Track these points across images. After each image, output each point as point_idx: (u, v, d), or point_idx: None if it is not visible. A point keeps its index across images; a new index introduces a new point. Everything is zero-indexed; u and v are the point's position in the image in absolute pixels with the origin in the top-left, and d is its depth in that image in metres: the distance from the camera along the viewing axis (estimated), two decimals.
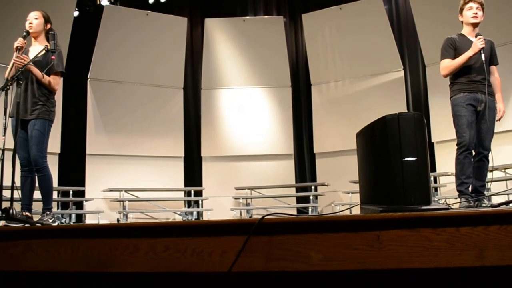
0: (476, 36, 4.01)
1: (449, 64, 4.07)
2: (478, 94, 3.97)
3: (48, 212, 3.92)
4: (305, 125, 10.14)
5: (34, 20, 4.03)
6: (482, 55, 3.94)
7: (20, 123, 3.83)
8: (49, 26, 4.12)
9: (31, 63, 3.83)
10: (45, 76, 3.90)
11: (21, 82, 3.71)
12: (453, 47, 4.09)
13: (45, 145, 3.92)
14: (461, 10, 4.19)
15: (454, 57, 4.06)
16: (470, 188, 3.92)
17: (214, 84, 9.92)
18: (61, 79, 4.20)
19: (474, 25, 4.12)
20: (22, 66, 3.75)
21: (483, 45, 3.93)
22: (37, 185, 3.98)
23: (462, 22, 4.23)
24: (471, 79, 4.01)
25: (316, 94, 9.78)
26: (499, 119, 4.06)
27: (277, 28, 9.94)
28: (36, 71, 3.87)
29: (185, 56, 9.93)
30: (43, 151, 3.88)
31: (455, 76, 4.10)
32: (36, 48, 4.02)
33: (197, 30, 10.56)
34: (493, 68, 4.18)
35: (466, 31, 4.18)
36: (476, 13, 4.08)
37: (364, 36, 9.21)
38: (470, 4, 4.11)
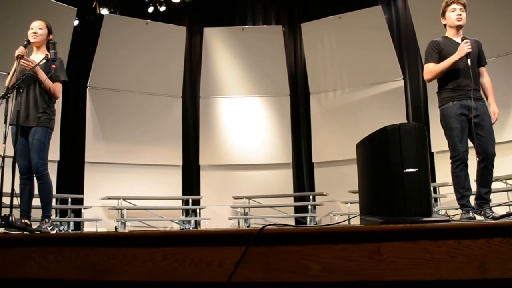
0: (462, 40, 3.86)
1: (433, 69, 3.93)
2: (467, 101, 3.80)
3: (47, 220, 3.96)
4: (304, 134, 10.13)
5: (38, 29, 4.10)
6: (469, 60, 3.79)
7: (21, 130, 3.87)
8: (51, 36, 4.19)
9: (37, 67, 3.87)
10: (47, 80, 3.94)
11: (21, 90, 3.75)
12: (438, 51, 3.95)
13: (46, 152, 3.97)
14: (443, 12, 4.06)
15: (439, 61, 3.92)
16: (475, 195, 3.81)
17: (213, 93, 9.93)
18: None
19: (459, 27, 4.00)
20: (29, 69, 3.81)
21: (470, 50, 3.79)
22: (36, 192, 4.00)
23: (445, 25, 4.10)
24: (459, 84, 3.85)
25: (315, 103, 9.78)
26: (493, 122, 3.88)
27: (276, 37, 9.96)
28: (41, 73, 3.91)
29: (184, 65, 9.94)
30: (44, 158, 3.93)
31: (442, 82, 3.96)
32: (38, 57, 4.07)
33: (196, 39, 10.59)
34: (482, 69, 4.04)
35: (451, 33, 4.05)
36: (460, 15, 3.96)
37: (363, 45, 9.21)
38: (453, 6, 3.98)
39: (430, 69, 3.96)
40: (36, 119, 3.92)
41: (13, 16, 7.66)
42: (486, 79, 4.04)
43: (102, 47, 9.07)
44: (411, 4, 8.79)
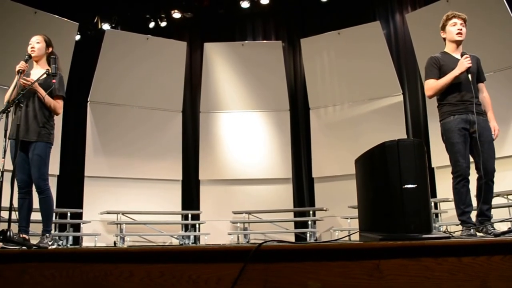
0: (462, 55, 3.84)
1: (434, 85, 3.89)
2: (469, 115, 3.78)
3: (47, 235, 3.96)
4: (304, 149, 10.12)
5: (36, 44, 4.15)
6: (469, 75, 3.78)
7: (20, 145, 3.87)
8: (50, 49, 4.23)
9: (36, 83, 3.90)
10: (47, 96, 3.97)
11: (21, 105, 3.76)
12: (438, 66, 3.92)
13: (46, 167, 3.99)
14: (444, 26, 4.03)
15: (439, 77, 3.90)
16: (476, 212, 3.75)
17: (213, 107, 9.95)
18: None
19: (458, 42, 3.98)
20: (27, 86, 3.83)
21: (470, 64, 3.77)
22: (36, 206, 3.99)
23: (444, 39, 4.07)
24: (460, 99, 3.83)
25: (315, 118, 9.78)
26: (494, 138, 3.86)
27: (275, 52, 10.00)
28: (40, 90, 3.93)
29: (184, 80, 9.97)
30: (44, 173, 3.95)
31: (443, 96, 3.92)
32: (38, 71, 4.11)
33: (196, 54, 10.65)
34: (481, 85, 4.01)
35: (450, 48, 4.02)
36: (461, 29, 3.94)
37: (362, 60, 9.25)
38: (454, 20, 3.96)
39: (431, 86, 3.93)
40: (36, 133, 3.93)
41: (15, 30, 7.71)
42: (485, 95, 4.01)
43: (103, 61, 9.11)
44: (409, 19, 8.85)
